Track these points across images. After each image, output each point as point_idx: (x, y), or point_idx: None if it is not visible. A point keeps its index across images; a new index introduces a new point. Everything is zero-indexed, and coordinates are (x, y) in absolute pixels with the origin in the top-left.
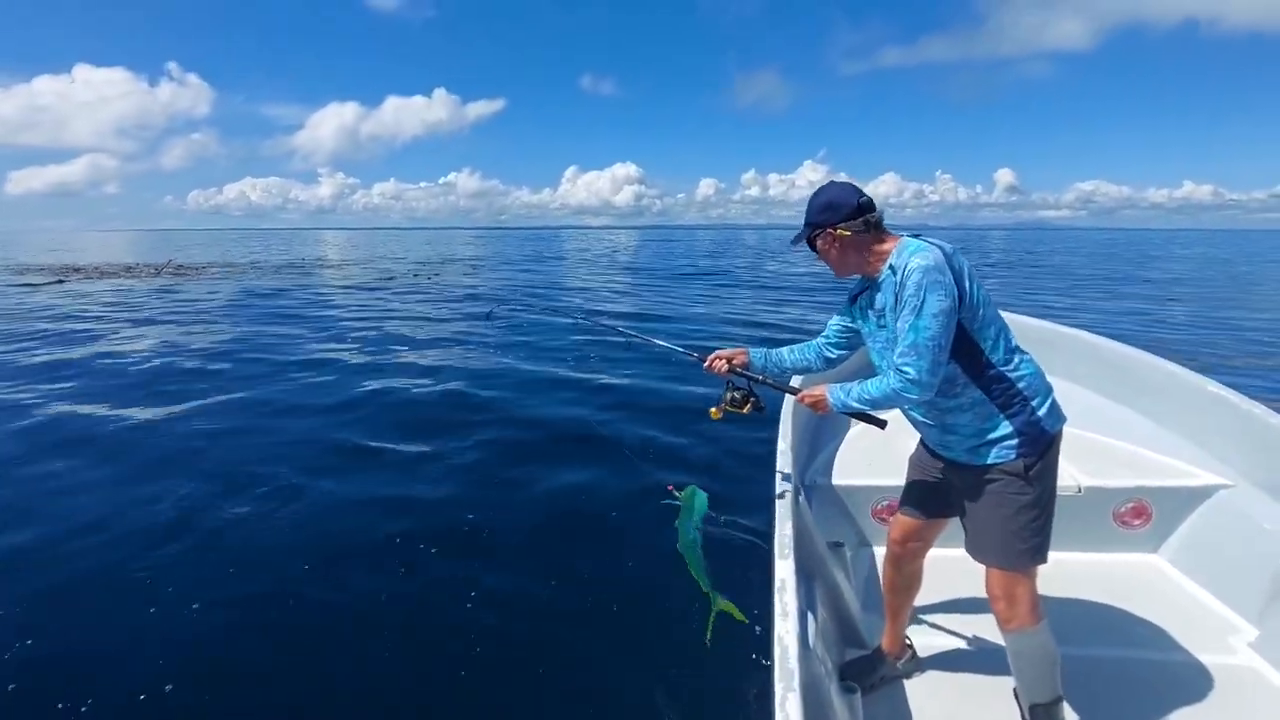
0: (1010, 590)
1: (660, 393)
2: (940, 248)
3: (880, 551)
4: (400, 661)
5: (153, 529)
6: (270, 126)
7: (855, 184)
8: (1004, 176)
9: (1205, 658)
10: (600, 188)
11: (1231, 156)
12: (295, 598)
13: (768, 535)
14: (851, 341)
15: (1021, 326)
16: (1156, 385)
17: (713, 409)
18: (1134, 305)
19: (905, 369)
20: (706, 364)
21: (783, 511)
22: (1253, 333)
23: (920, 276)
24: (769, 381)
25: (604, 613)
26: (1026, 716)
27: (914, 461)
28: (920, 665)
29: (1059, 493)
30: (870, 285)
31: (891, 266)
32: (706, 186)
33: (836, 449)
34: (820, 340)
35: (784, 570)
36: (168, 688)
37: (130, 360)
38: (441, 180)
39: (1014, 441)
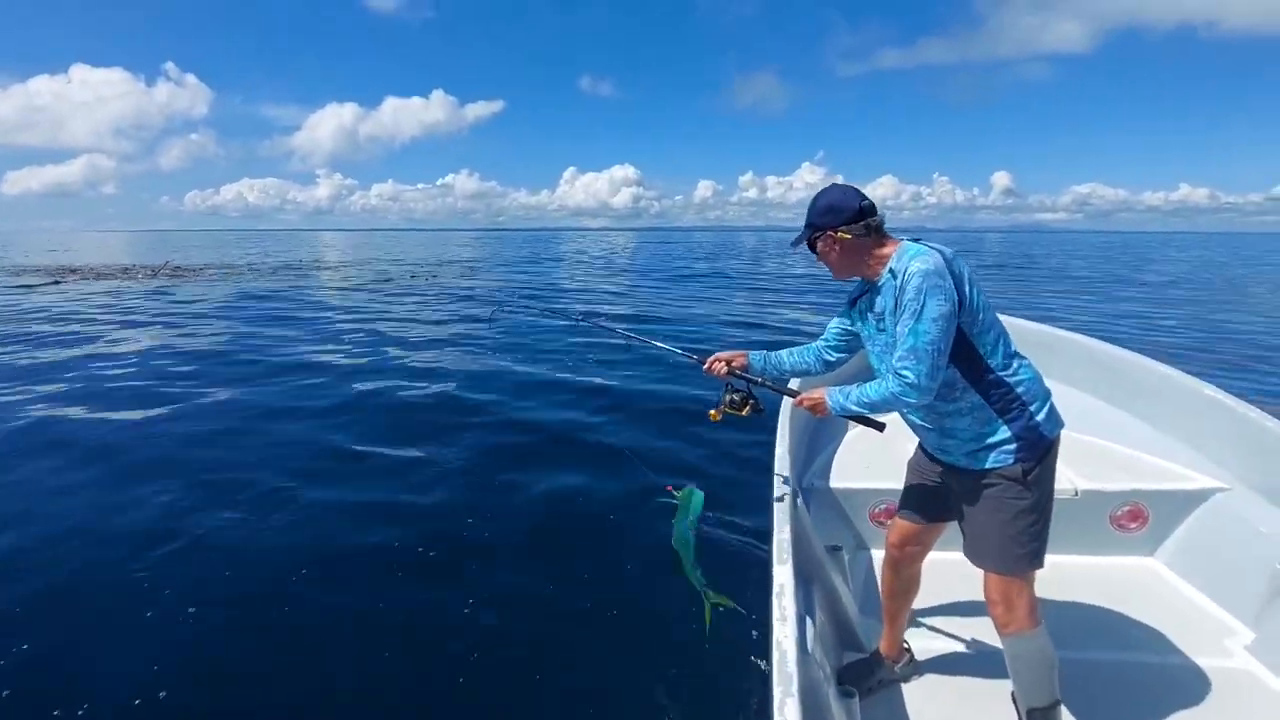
0: (1008, 594)
1: (658, 395)
2: (940, 252)
3: (878, 555)
4: (400, 662)
5: (148, 531)
6: (268, 127)
7: (856, 187)
8: (1001, 179)
9: (1202, 661)
10: (598, 189)
11: (1228, 159)
12: (293, 599)
13: (766, 538)
14: (851, 344)
15: (1018, 330)
16: (1153, 389)
17: (712, 411)
18: (1130, 308)
19: (904, 373)
20: (706, 366)
21: (781, 515)
22: (1248, 335)
23: (920, 281)
24: (768, 384)
25: (603, 613)
26: None
27: (912, 465)
28: (918, 669)
29: (1056, 496)
30: (870, 288)
31: (892, 270)
32: (704, 188)
33: (835, 452)
34: (819, 343)
35: (782, 574)
36: (162, 694)
37: (125, 362)
38: (439, 182)
39: (1012, 446)
